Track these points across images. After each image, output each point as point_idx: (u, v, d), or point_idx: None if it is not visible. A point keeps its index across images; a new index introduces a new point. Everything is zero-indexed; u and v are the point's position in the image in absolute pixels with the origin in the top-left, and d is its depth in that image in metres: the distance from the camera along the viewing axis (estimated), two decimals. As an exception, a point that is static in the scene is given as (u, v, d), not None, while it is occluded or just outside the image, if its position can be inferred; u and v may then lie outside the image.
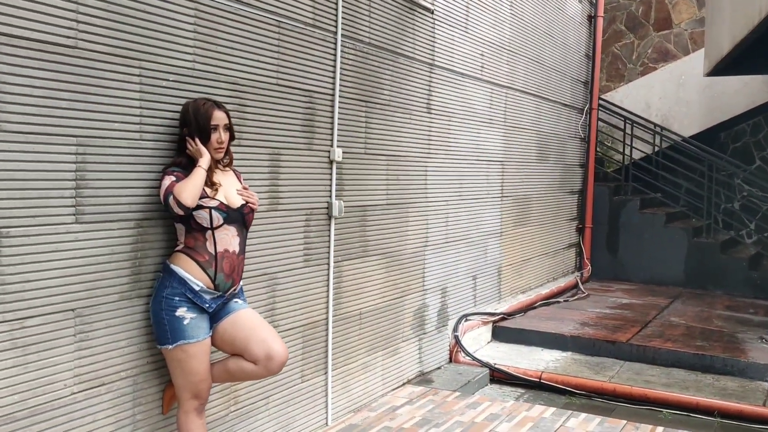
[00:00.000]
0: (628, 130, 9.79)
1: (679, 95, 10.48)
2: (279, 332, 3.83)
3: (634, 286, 8.78)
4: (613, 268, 9.21)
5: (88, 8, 2.75)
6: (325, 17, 4.13)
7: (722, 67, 7.89)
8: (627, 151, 9.77)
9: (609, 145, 10.40)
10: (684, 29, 10.99)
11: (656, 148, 9.85)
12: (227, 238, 3.07)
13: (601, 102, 9.37)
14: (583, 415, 4.65)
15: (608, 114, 9.84)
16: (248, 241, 3.45)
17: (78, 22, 2.72)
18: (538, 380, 5.44)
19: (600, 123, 9.33)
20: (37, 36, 2.58)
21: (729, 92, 9.95)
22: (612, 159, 10.28)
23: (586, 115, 8.80)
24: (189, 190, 2.91)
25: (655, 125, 9.98)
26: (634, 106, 10.41)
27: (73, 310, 2.76)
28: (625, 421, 4.54)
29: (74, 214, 2.75)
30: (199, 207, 2.99)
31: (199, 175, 2.97)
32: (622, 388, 5.22)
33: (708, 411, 4.93)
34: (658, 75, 10.71)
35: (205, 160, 3.02)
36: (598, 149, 9.45)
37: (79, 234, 2.77)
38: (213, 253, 3.03)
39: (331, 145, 4.24)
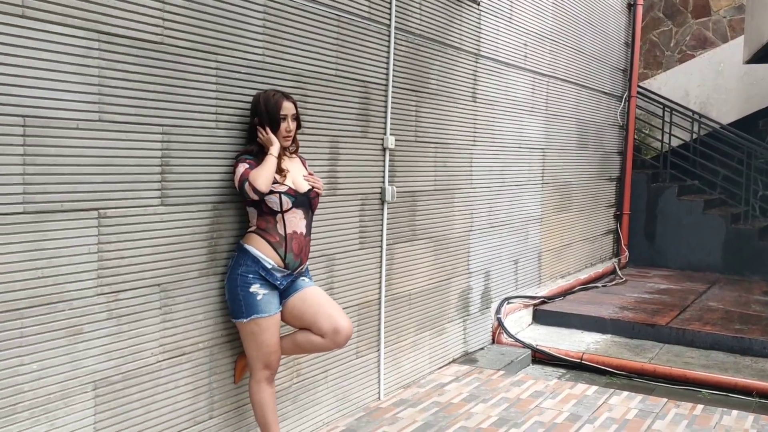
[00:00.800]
0: (667, 118, 9.85)
1: (717, 82, 10.48)
2: (337, 310, 4.05)
3: (671, 272, 8.88)
4: (650, 254, 9.31)
5: (172, 6, 2.98)
6: (380, 10, 4.33)
7: (762, 55, 7.91)
8: (665, 139, 9.83)
9: (647, 132, 10.46)
10: (723, 16, 10.97)
11: (694, 136, 9.89)
12: (295, 221, 3.30)
13: (639, 89, 9.44)
14: (625, 393, 4.82)
15: (646, 101, 9.90)
16: (313, 226, 3.68)
17: (164, 20, 2.95)
18: (579, 361, 5.61)
19: (638, 110, 9.40)
20: (130, 33, 2.81)
21: (768, 79, 9.94)
22: (650, 146, 10.35)
23: (624, 102, 8.89)
24: (263, 176, 3.13)
25: (694, 112, 10.02)
26: (672, 94, 10.44)
27: (159, 285, 3.01)
28: (665, 400, 4.70)
29: (160, 197, 2.99)
30: (270, 192, 3.21)
31: (271, 162, 3.20)
32: (662, 369, 5.38)
33: (746, 391, 5.07)
34: (697, 62, 10.72)
35: (275, 148, 3.24)
36: (635, 136, 9.53)
37: (164, 216, 3.01)
38: (283, 234, 3.26)
39: (385, 133, 4.44)
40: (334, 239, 4.05)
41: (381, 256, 4.50)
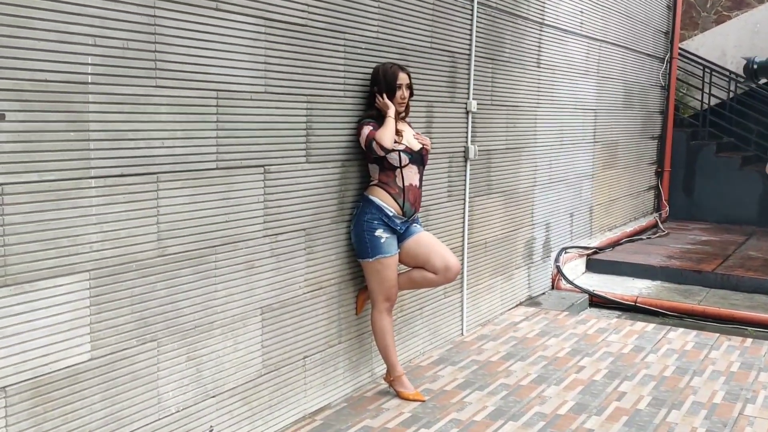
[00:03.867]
0: (706, 78, 10.24)
1: (753, 42, 10.82)
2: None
3: (709, 226, 9.37)
4: (689, 208, 9.80)
5: (314, -7, 3.53)
6: (465, -13, 4.83)
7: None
8: (704, 98, 10.24)
9: (684, 92, 10.85)
10: (760, -23, 11.25)
11: (731, 95, 10.29)
12: (411, 175, 3.86)
13: (679, 51, 9.82)
14: (680, 329, 5.39)
15: (685, 62, 10.28)
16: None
17: (308, 5, 3.49)
18: (633, 303, 6.18)
19: (678, 71, 9.79)
20: (285, 18, 3.36)
21: (805, 39, 10.27)
22: (688, 105, 10.75)
23: (666, 64, 9.30)
24: (387, 135, 3.69)
25: (731, 72, 10.39)
26: (709, 54, 10.81)
27: (304, 230, 3.60)
28: (717, 334, 5.27)
29: (306, 156, 3.56)
30: (391, 150, 3.77)
31: (390, 123, 3.75)
32: (711, 310, 5.93)
33: (789, 328, 5.62)
34: (734, 23, 11.05)
35: (392, 111, 3.78)
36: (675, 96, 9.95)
37: (308, 171, 3.59)
38: (402, 186, 3.83)
39: (468, 98, 4.97)
40: (428, 192, 4.62)
41: (464, 208, 5.06)
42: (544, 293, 6.40)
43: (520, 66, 5.68)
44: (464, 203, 5.05)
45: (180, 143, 2.91)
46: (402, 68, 3.87)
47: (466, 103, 4.96)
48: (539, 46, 5.98)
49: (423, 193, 4.53)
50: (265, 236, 3.36)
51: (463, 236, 5.07)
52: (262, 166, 3.31)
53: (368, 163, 3.88)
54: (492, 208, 5.46)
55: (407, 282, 3.98)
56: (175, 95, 2.87)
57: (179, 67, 2.88)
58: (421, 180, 3.94)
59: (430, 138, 4.56)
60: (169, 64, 2.83)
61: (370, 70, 3.90)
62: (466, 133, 5.00)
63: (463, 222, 5.07)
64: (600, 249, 7.37)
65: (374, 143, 3.68)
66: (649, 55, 8.77)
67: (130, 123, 2.70)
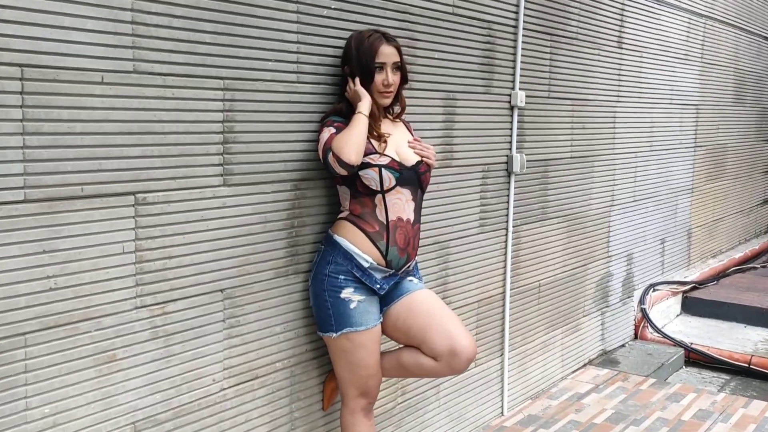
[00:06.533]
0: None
1: None
2: (453, 309, 3.25)
3: (841, 250, 7.52)
4: (814, 228, 7.96)
5: None
6: (509, -70, 3.40)
7: None
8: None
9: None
10: None
11: None
12: (400, 204, 2.49)
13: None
14: (818, 416, 3.79)
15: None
16: (423, 206, 2.88)
17: (222, -67, 2.17)
18: (747, 366, 4.58)
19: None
20: (173, -49, 2.05)
21: None
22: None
23: (789, 49, 7.51)
24: (350, 143, 2.32)
25: None
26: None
27: (222, 290, 2.29)
28: None
29: (221, 175, 2.25)
30: (366, 165, 2.41)
31: (359, 123, 2.38)
32: None
33: None
34: None
35: (365, 104, 2.42)
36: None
37: (228, 198, 2.27)
38: (384, 222, 2.46)
39: (513, 88, 3.55)
40: (448, 222, 3.23)
41: (506, 240, 3.64)
42: (623, 345, 4.88)
43: (592, 45, 4.20)
44: (506, 234, 3.63)
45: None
46: (388, 38, 2.49)
47: (509, 96, 3.54)
48: (621, 20, 4.47)
49: (442, 225, 3.15)
50: (138, 308, 2.06)
51: (504, 279, 3.65)
52: (133, 193, 2.01)
53: (336, 185, 2.54)
54: (548, 238, 4.00)
55: (395, 367, 2.60)
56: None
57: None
58: (418, 211, 2.56)
59: (452, 145, 3.17)
60: None
61: (343, 42, 2.55)
62: (510, 136, 3.58)
63: (505, 260, 3.65)
64: (700, 284, 5.75)
65: (330, 155, 2.34)
66: (767, 38, 7.04)
67: None
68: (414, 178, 2.52)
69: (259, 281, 2.40)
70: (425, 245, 3.09)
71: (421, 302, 2.54)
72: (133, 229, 2.02)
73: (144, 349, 2.08)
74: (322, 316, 2.48)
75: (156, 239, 2.08)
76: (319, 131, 2.45)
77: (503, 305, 3.67)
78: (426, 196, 3.02)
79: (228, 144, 2.25)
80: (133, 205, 2.01)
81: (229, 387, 2.35)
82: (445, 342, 2.46)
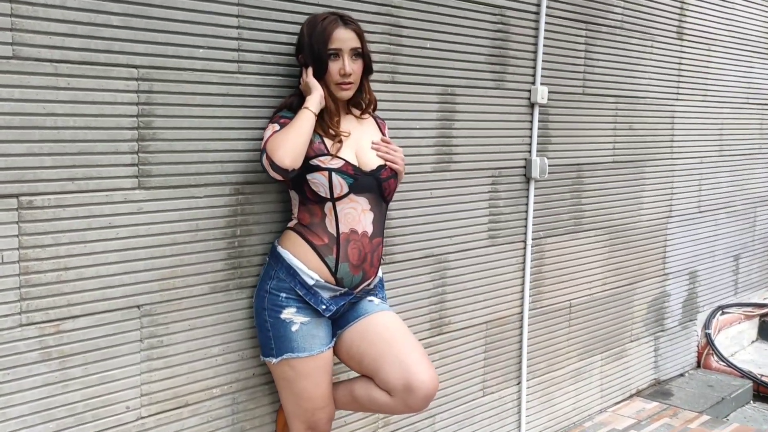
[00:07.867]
0: None
1: None
2: (452, 330, 2.91)
3: None
4: None
5: None
6: None
7: None
8: None
9: None
10: None
11: None
12: (355, 214, 2.15)
13: None
14: None
15: None
16: (409, 214, 2.54)
17: None
18: (826, 407, 3.95)
19: None
20: None
21: None
22: None
23: None
24: (287, 144, 2.00)
25: None
26: None
27: (138, 306, 2.02)
28: None
29: (137, 176, 1.98)
30: (314, 168, 2.09)
31: (303, 120, 2.06)
32: None
33: None
34: None
35: (314, 99, 2.10)
36: None
37: (144, 203, 2.00)
38: (334, 234, 2.13)
39: (533, 82, 3.13)
40: (445, 233, 2.85)
41: (524, 254, 3.22)
42: (682, 375, 4.33)
43: (644, 36, 3.70)
44: (524, 247, 3.21)
45: None
46: (346, 21, 2.16)
47: (529, 91, 3.12)
48: (681, 7, 3.94)
49: (439, 236, 2.80)
50: (23, 326, 1.83)
51: (521, 299, 3.23)
52: (15, 195, 1.78)
53: (288, 189, 2.23)
54: (583, 252, 3.54)
55: (347, 399, 2.26)
56: None
57: None
58: (379, 223, 2.21)
59: (451, 146, 2.81)
60: None
61: (298, 25, 2.24)
62: (530, 137, 3.16)
63: (523, 276, 3.23)
64: (783, 307, 5.07)
65: (264, 157, 2.03)
66: None
67: None
68: (373, 184, 2.18)
69: (190, 296, 2.12)
70: (415, 258, 2.74)
71: (378, 326, 2.19)
72: (17, 236, 1.79)
73: (31, 372, 1.84)
74: (262, 339, 2.18)
75: (47, 248, 1.84)
76: (265, 128, 2.15)
77: (521, 327, 3.26)
78: (417, 204, 2.70)
79: (145, 142, 1.98)
80: (16, 209, 1.78)
81: (149, 415, 2.08)
82: (399, 375, 2.11)
